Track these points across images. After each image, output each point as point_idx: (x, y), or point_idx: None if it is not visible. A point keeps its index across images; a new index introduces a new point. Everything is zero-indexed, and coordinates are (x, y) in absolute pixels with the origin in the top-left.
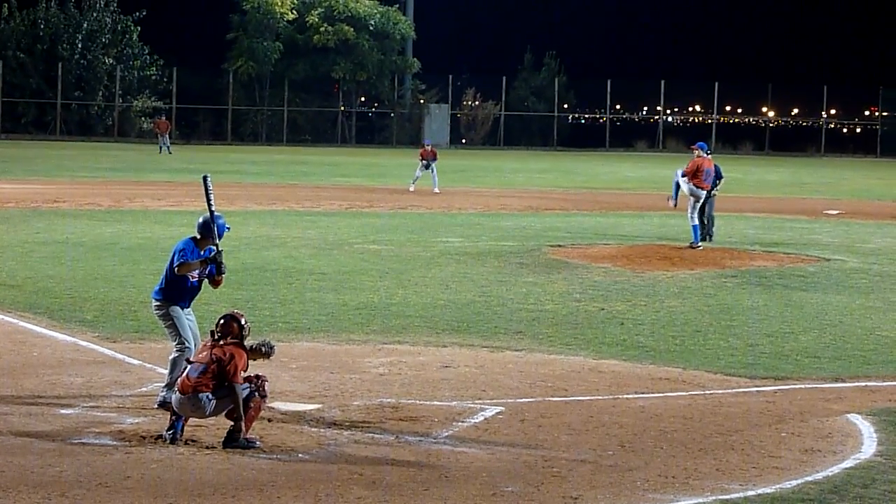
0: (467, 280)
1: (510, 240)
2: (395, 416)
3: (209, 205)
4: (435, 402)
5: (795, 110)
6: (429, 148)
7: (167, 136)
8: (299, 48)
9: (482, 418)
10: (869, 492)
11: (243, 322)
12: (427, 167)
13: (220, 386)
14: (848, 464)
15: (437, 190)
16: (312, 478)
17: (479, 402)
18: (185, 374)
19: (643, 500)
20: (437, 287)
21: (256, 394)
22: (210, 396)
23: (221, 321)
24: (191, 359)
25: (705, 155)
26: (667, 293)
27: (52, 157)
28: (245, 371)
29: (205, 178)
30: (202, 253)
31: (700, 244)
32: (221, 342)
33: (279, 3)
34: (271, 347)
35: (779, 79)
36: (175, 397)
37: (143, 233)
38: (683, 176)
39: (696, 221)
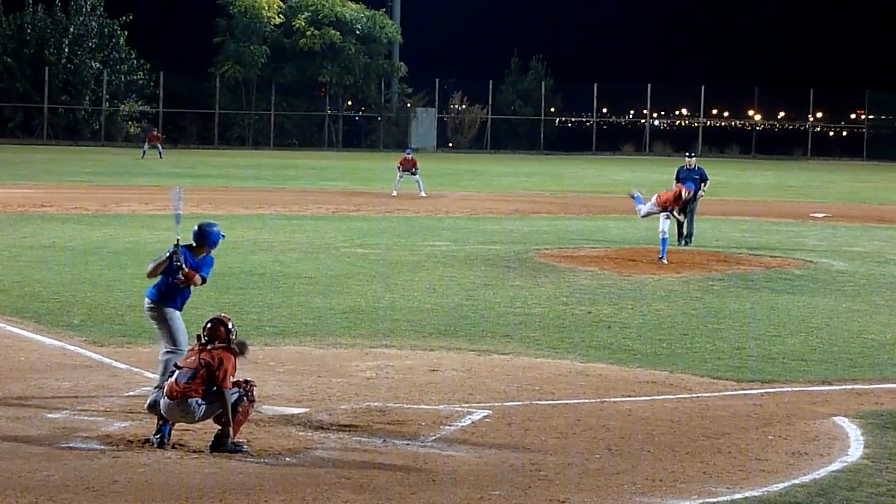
0: (454, 284)
1: (497, 243)
2: (383, 420)
3: (177, 215)
4: (422, 406)
5: (782, 113)
6: (409, 157)
7: (158, 144)
8: (286, 52)
9: (469, 422)
10: (856, 494)
11: (230, 326)
12: (413, 174)
13: (210, 391)
14: (835, 466)
15: (423, 194)
16: (300, 482)
17: (467, 405)
18: (173, 379)
19: None
20: (423, 291)
21: (245, 398)
22: (199, 401)
23: (208, 325)
24: (179, 364)
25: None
26: (654, 296)
27: (38, 161)
28: (234, 375)
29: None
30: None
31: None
32: (209, 346)
33: (266, 7)
34: (243, 345)
35: (765, 82)
36: (164, 402)
37: (131, 237)
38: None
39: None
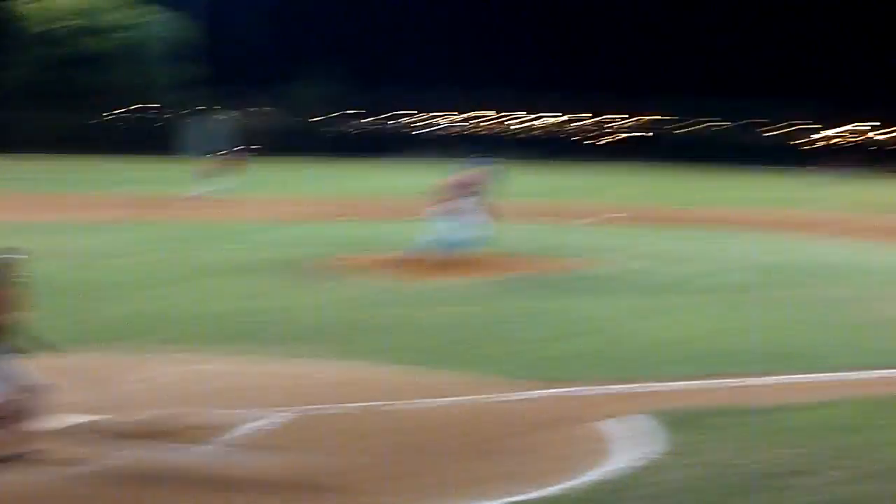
0: (247, 289)
1: (294, 246)
2: (175, 426)
3: None
4: (214, 411)
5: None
6: (228, 157)
7: None
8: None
9: (261, 427)
10: (624, 495)
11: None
12: (226, 177)
13: None
14: (608, 467)
15: (223, 197)
16: (80, 494)
17: (257, 410)
18: None
19: None
20: (216, 297)
21: (25, 402)
22: None
23: None
24: None
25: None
26: (440, 299)
27: None
28: (7, 313)
29: None
30: None
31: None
32: None
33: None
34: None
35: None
36: None
37: None
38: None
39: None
